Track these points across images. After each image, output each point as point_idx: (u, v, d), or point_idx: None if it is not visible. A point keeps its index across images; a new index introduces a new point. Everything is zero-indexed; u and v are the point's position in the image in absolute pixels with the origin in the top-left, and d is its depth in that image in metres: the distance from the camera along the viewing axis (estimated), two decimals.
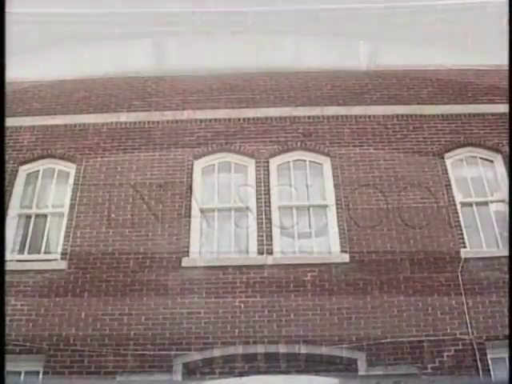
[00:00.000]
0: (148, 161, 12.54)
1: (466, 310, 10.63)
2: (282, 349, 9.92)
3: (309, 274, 10.99)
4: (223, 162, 12.82)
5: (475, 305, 10.72)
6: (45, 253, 11.70)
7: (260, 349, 9.95)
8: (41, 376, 10.12)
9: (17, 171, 12.59)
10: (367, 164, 12.43)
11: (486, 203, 12.25)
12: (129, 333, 10.44)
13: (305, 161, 12.80)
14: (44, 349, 10.35)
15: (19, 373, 10.17)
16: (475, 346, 10.28)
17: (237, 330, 10.43)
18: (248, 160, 12.72)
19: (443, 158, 12.68)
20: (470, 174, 12.68)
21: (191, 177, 12.41)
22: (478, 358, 10.16)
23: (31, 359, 10.35)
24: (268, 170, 12.49)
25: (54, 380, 9.44)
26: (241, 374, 9.62)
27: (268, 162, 12.64)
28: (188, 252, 11.42)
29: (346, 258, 11.22)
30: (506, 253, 10.65)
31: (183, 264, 11.20)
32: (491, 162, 12.82)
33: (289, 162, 12.77)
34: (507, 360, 10.06)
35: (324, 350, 9.91)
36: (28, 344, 10.41)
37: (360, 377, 9.48)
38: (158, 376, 9.71)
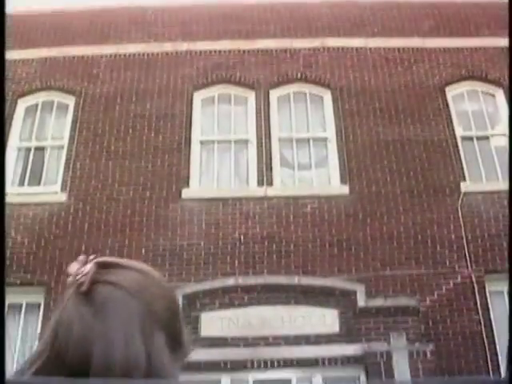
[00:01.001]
0: (148, 92, 12.21)
1: (465, 243, 10.46)
2: (282, 280, 9.77)
3: (308, 206, 10.81)
4: (223, 93, 12.53)
5: (474, 238, 10.55)
6: (45, 185, 11.47)
7: (259, 280, 9.80)
8: (42, 308, 10.01)
9: (16, 104, 12.28)
10: (368, 96, 12.13)
11: (486, 137, 12.01)
12: None
13: (305, 93, 12.49)
14: (45, 281, 10.18)
15: (20, 305, 10.05)
16: (474, 280, 10.14)
17: (236, 261, 10.31)
18: (248, 91, 12.42)
19: (444, 91, 12.38)
20: (471, 107, 12.41)
21: (191, 108, 12.12)
22: (476, 291, 10.04)
23: (32, 291, 10.29)
24: (268, 102, 12.19)
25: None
26: (240, 306, 9.49)
27: (268, 93, 12.32)
28: (188, 183, 11.20)
29: (345, 189, 11.00)
30: (505, 187, 10.42)
31: (183, 195, 11.02)
32: (493, 96, 12.54)
33: (289, 93, 12.47)
34: (506, 294, 9.98)
35: (323, 282, 9.76)
36: (29, 276, 10.28)
37: (359, 308, 9.33)
38: None
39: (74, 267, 1.45)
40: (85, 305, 1.40)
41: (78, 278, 1.42)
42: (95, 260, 1.47)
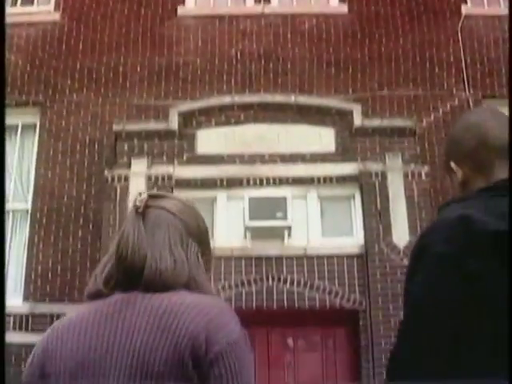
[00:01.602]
0: None
1: (463, 66, 10.21)
2: (278, 98, 9.56)
3: (306, 24, 10.41)
4: None
5: (473, 62, 10.29)
6: (38, 5, 10.94)
7: (256, 98, 9.59)
8: (37, 128, 9.83)
9: None
10: None
11: None
12: (124, 84, 10.04)
13: None
14: (40, 101, 10.06)
15: (16, 126, 9.87)
16: (471, 103, 9.98)
17: (233, 80, 10.06)
18: None
19: None
20: None
21: None
22: None
23: (27, 112, 10.14)
24: None
25: None
26: (236, 123, 9.34)
27: None
28: (184, 1, 10.72)
29: (344, 8, 10.60)
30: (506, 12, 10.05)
31: (179, 13, 10.57)
32: None
33: None
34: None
35: (320, 101, 9.56)
36: (24, 97, 10.03)
37: (355, 127, 9.21)
38: (154, 125, 9.40)
39: (135, 197, 1.94)
40: (140, 222, 1.88)
41: (136, 203, 1.90)
42: (148, 192, 1.97)
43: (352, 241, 8.95)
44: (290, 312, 8.70)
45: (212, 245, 2.07)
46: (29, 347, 8.67)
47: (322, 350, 8.97)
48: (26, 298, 9.07)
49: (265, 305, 8.65)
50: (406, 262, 8.42)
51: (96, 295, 1.87)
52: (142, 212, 1.90)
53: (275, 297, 8.68)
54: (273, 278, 8.77)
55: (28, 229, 9.50)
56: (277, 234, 8.85)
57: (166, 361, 1.67)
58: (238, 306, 8.61)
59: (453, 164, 2.18)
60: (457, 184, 2.19)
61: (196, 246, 1.93)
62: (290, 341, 9.10)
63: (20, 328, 8.82)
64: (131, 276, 1.82)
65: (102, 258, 1.93)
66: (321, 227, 9.07)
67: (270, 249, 8.83)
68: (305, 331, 9.06)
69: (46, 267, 9.19)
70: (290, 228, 8.83)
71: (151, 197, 1.96)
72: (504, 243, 1.78)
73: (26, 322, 8.86)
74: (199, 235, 1.97)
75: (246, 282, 8.74)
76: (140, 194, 1.95)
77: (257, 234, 8.83)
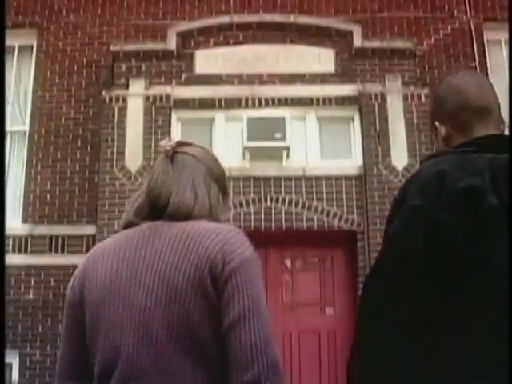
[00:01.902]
0: None
1: None
2: (277, 18, 9.40)
3: None
4: None
5: None
6: None
7: (255, 18, 9.43)
8: (34, 50, 9.68)
9: None
10: None
11: None
12: (122, 4, 9.88)
13: None
14: (37, 22, 9.90)
15: (13, 47, 9.76)
16: (472, 26, 9.83)
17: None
18: None
19: None
20: None
21: None
22: (474, 38, 9.76)
23: (24, 33, 9.97)
24: None
25: None
26: (235, 43, 9.20)
27: None
28: None
29: None
30: None
31: None
32: None
33: None
34: (504, 44, 9.70)
35: (319, 21, 9.40)
36: (20, 18, 9.91)
37: (355, 48, 9.08)
38: (152, 45, 9.26)
39: (164, 142, 2.21)
40: (169, 164, 2.16)
41: (166, 148, 2.18)
42: (176, 139, 2.27)
43: (350, 162, 8.91)
44: (288, 233, 8.70)
45: None
46: (28, 268, 8.72)
47: (319, 270, 9.00)
48: (24, 219, 9.05)
49: (263, 225, 8.65)
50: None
51: (128, 225, 2.15)
52: (171, 156, 2.19)
53: (273, 217, 8.68)
54: (271, 199, 8.75)
55: (26, 151, 9.43)
56: (275, 154, 8.80)
57: (188, 279, 1.91)
58: (236, 226, 8.58)
59: (437, 122, 2.38)
60: (440, 140, 2.38)
61: (217, 189, 2.21)
62: (288, 261, 9.13)
63: (19, 250, 8.83)
64: (158, 208, 2.10)
65: (133, 195, 2.21)
66: (319, 148, 9.01)
67: (269, 169, 8.79)
68: (303, 252, 9.08)
69: (45, 189, 9.16)
70: (288, 149, 8.77)
71: (179, 144, 2.24)
72: (475, 198, 1.96)
73: (25, 244, 8.86)
74: (220, 181, 2.25)
75: (244, 203, 8.72)
76: (169, 139, 2.26)
77: (255, 154, 8.78)
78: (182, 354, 1.90)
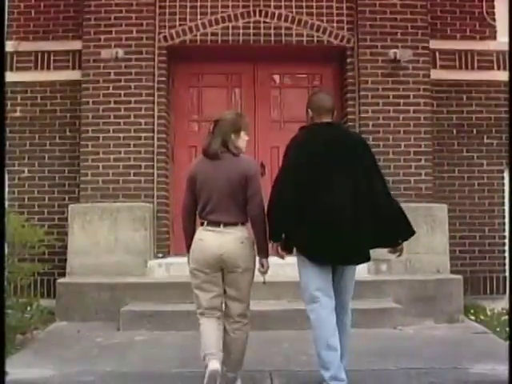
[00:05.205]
0: None
1: None
2: None
3: None
4: None
5: None
6: None
7: None
8: None
9: None
10: None
11: None
12: None
13: None
14: None
15: None
16: None
17: None
18: None
19: None
20: None
21: None
22: None
23: None
24: None
25: None
26: None
27: None
28: None
29: None
30: None
31: None
32: None
33: None
34: None
35: None
36: None
37: None
38: None
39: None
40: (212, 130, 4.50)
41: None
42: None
43: None
44: (277, 48, 8.30)
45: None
46: (14, 85, 8.33)
47: (307, 87, 8.66)
48: (9, 36, 8.48)
49: (251, 40, 8.23)
50: None
51: (204, 154, 4.46)
52: (214, 124, 4.48)
53: (262, 32, 8.26)
54: (260, 13, 8.28)
55: None
56: None
57: (236, 182, 4.32)
58: (224, 40, 8.20)
59: (309, 110, 4.64)
60: (309, 119, 4.66)
61: (240, 134, 4.50)
62: (276, 77, 8.78)
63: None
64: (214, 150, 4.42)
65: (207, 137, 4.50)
66: None
67: None
68: (291, 68, 8.71)
69: (29, 4, 8.63)
70: None
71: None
72: (319, 146, 4.45)
73: (10, 61, 8.39)
74: (242, 128, 4.51)
75: (232, 17, 8.26)
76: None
77: None
78: (233, 203, 4.35)
